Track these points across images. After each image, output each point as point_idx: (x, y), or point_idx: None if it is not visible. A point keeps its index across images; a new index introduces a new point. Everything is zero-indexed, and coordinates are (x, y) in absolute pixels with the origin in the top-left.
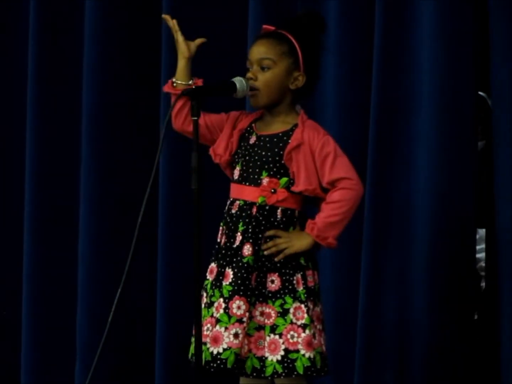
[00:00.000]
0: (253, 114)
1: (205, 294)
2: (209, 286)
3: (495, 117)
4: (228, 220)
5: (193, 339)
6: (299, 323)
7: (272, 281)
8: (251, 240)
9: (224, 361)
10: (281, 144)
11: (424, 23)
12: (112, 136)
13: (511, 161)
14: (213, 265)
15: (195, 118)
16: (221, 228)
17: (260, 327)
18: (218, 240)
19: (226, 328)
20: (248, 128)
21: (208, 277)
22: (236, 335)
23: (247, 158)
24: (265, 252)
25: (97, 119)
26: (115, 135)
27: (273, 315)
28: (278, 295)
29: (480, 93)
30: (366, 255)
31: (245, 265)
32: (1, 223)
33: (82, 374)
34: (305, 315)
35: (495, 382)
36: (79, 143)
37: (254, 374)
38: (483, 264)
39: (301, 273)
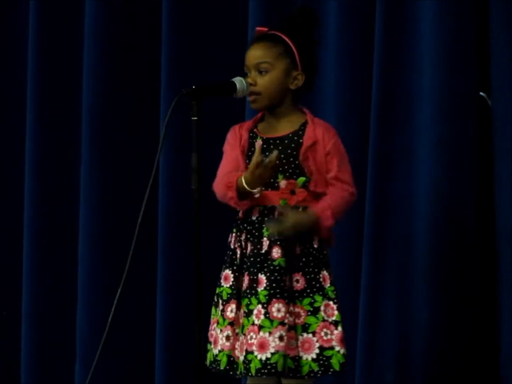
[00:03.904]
0: (253, 120)
1: (220, 301)
2: (225, 293)
3: (495, 117)
4: (249, 227)
5: (209, 347)
6: (330, 320)
7: (297, 281)
8: (278, 243)
9: (274, 365)
10: (293, 145)
11: (425, 22)
12: (112, 136)
13: (511, 161)
14: (227, 271)
15: (195, 118)
16: (234, 234)
17: (291, 327)
18: (232, 247)
19: (270, 333)
20: (251, 134)
21: (222, 284)
22: (281, 338)
23: None
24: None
25: (97, 119)
26: (115, 135)
27: (302, 314)
28: (305, 294)
29: (481, 93)
30: (367, 255)
31: (277, 267)
32: (1, 223)
33: (82, 374)
34: (335, 312)
35: (495, 382)
36: (79, 143)
37: (290, 374)
38: None
39: (328, 270)
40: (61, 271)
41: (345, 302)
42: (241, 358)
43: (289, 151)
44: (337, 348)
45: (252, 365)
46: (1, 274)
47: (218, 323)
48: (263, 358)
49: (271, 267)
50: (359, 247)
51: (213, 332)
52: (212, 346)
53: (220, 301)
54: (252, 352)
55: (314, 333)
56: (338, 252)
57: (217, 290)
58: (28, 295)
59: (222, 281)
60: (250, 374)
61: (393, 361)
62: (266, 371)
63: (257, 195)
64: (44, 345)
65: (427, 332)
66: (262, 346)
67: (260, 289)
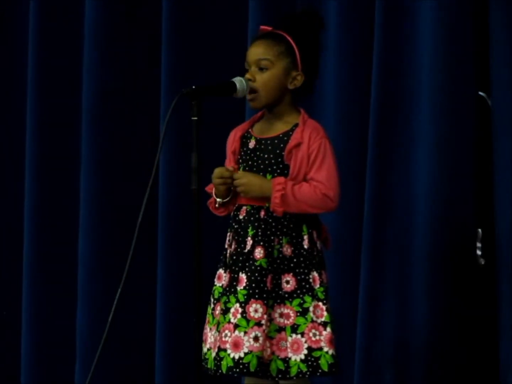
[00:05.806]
0: (249, 120)
1: (212, 300)
2: (216, 292)
3: (495, 117)
4: (236, 226)
5: (203, 345)
6: (319, 321)
7: (287, 282)
8: (261, 243)
9: (246, 365)
10: (282, 145)
11: (425, 23)
12: (112, 136)
13: (511, 161)
14: (221, 271)
15: (195, 118)
16: (228, 234)
17: (281, 329)
18: (226, 246)
19: (245, 333)
20: (246, 134)
21: (216, 283)
22: (256, 339)
23: (249, 162)
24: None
25: (97, 119)
26: (115, 135)
27: (292, 315)
28: (295, 295)
29: (480, 93)
30: (366, 255)
31: (258, 268)
32: (1, 223)
33: (82, 374)
34: (325, 313)
35: (495, 382)
36: (79, 143)
37: (280, 376)
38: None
39: (318, 271)
40: (61, 271)
41: (345, 302)
42: (213, 354)
43: (277, 151)
44: (326, 349)
45: (223, 362)
46: (1, 274)
47: (209, 321)
48: (236, 357)
49: (252, 267)
50: (358, 248)
51: (205, 331)
52: (203, 344)
53: (212, 300)
54: (225, 350)
55: (302, 334)
56: (338, 252)
57: (212, 289)
58: (28, 295)
59: (215, 280)
60: (220, 371)
61: (392, 361)
62: (237, 370)
63: (217, 205)
64: (44, 345)
65: (427, 332)
66: (236, 345)
67: (240, 288)
